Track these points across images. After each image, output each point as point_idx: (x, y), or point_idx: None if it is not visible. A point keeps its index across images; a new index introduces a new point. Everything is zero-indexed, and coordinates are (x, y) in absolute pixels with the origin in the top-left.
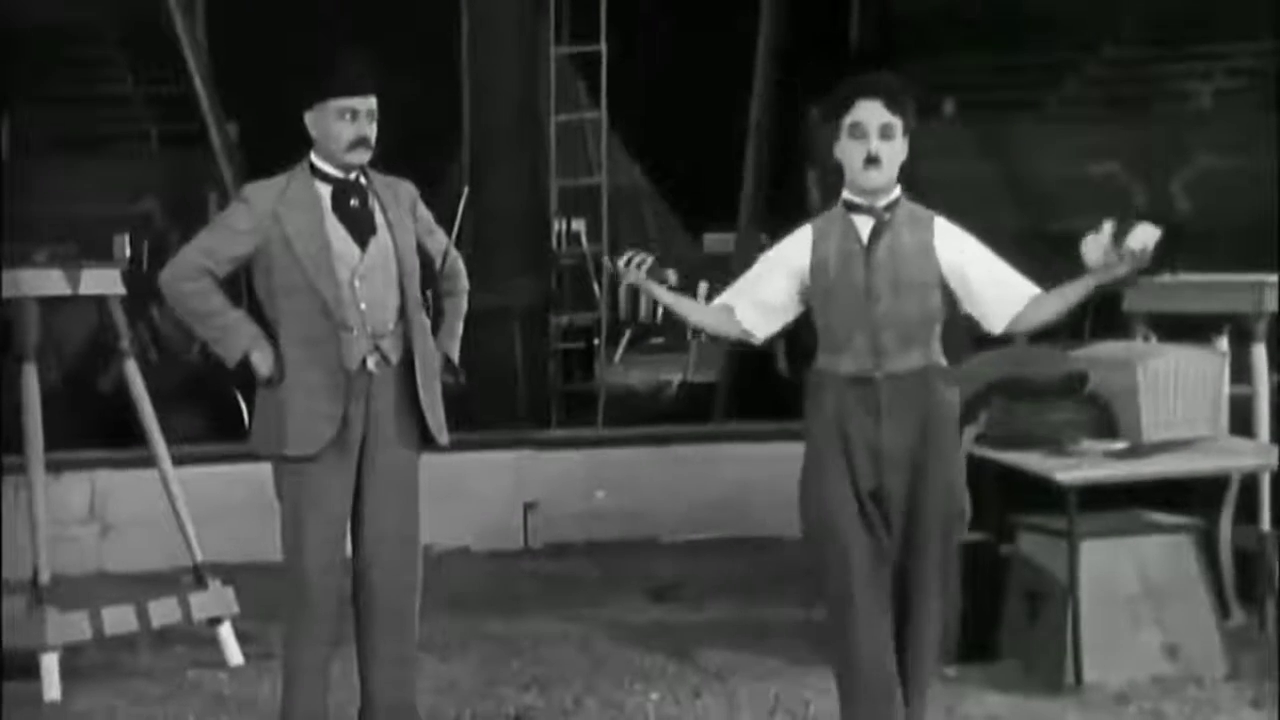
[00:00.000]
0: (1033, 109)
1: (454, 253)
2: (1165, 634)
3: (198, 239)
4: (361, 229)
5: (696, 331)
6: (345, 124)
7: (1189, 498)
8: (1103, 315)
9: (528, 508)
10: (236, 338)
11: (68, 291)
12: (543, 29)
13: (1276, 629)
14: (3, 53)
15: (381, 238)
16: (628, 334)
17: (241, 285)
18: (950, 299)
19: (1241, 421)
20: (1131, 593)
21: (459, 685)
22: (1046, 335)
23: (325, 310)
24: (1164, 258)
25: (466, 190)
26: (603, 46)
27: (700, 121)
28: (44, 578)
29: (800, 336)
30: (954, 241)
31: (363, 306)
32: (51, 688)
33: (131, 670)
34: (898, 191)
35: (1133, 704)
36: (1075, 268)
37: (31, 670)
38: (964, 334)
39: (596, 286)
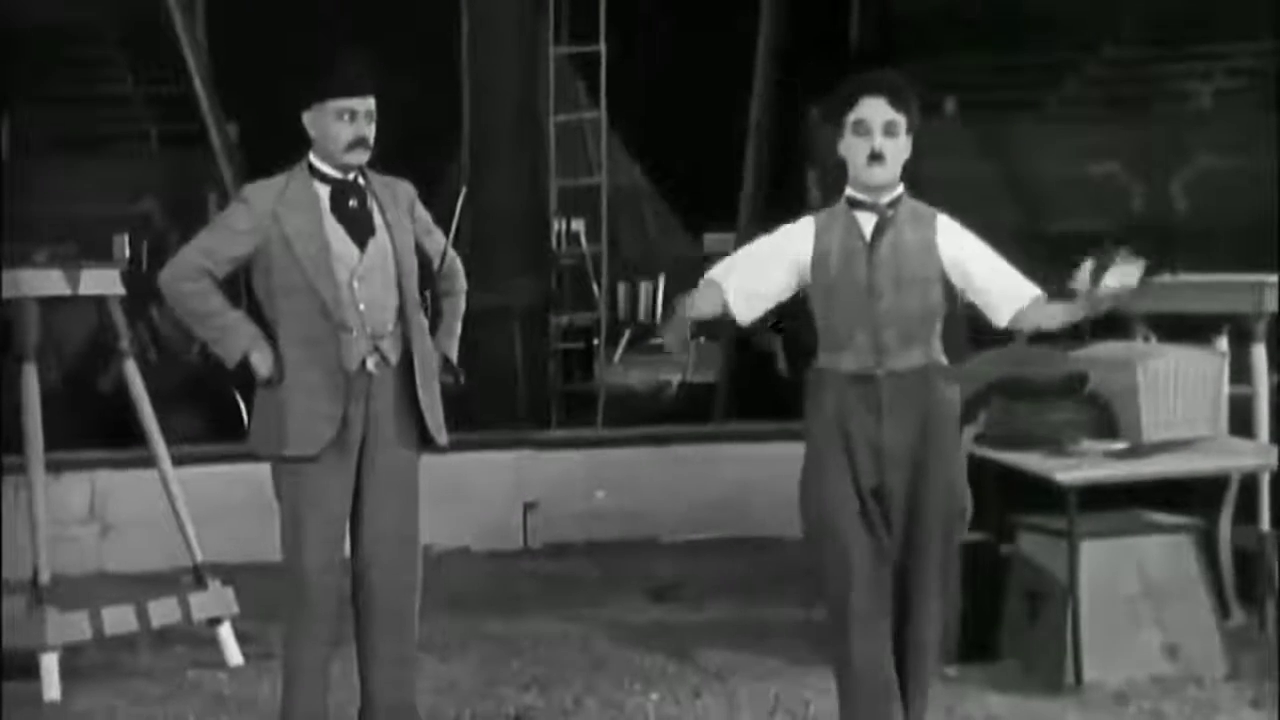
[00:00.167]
0: (1033, 109)
1: (452, 253)
2: (1165, 634)
3: (197, 239)
4: (360, 229)
5: (696, 333)
6: (344, 124)
7: (1189, 498)
8: (1103, 315)
9: (527, 508)
10: (236, 338)
11: (68, 291)
12: (542, 29)
13: (1276, 629)
14: (3, 53)
15: (380, 238)
16: (627, 334)
17: (241, 285)
18: (951, 295)
19: (1241, 421)
20: (1131, 593)
21: (459, 685)
22: (1046, 335)
23: (324, 311)
24: (1164, 259)
25: (464, 190)
26: (602, 46)
27: (700, 121)
28: (44, 578)
29: (800, 336)
30: (956, 238)
31: (361, 307)
32: (51, 688)
33: (131, 670)
34: (901, 189)
35: (1133, 704)
36: (1075, 268)
37: (31, 670)
38: (964, 332)
39: (596, 286)
